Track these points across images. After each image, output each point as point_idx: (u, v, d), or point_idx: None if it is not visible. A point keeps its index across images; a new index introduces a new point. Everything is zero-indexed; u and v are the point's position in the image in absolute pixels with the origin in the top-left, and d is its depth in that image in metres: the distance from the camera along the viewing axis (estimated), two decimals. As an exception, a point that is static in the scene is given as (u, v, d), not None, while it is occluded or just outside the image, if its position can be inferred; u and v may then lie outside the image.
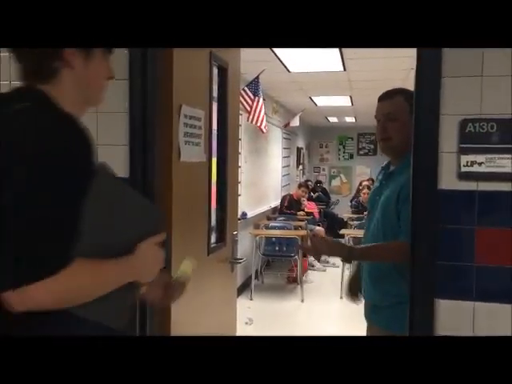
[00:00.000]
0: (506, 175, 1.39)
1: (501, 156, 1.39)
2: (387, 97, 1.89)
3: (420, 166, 1.48)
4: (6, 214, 0.92)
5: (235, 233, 2.65)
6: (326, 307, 5.53)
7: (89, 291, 1.00)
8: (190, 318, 2.05)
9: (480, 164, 1.40)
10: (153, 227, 1.15)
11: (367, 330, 1.98)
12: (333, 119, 10.81)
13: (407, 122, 1.72)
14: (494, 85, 1.39)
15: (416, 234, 1.49)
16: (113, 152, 1.67)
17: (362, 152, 12.45)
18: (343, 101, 7.89)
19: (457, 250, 1.43)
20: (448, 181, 1.43)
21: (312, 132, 12.48)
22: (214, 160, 2.45)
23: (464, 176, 1.42)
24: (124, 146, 1.67)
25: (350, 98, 7.59)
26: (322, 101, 7.98)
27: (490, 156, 1.40)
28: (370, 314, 1.95)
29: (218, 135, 2.50)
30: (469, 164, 1.41)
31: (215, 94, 2.43)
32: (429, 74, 1.45)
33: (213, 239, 2.48)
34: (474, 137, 1.41)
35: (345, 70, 5.48)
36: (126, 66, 1.66)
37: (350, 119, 10.62)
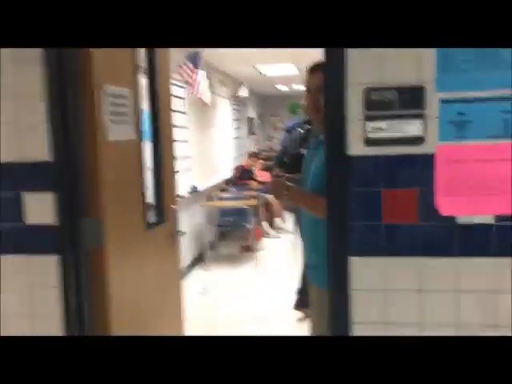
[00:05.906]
0: (405, 140, 1.49)
1: (401, 121, 1.49)
2: (319, 68, 1.92)
3: (331, 134, 1.57)
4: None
5: (174, 207, 2.70)
6: (280, 273, 5.71)
7: None
8: (129, 295, 2.10)
9: (383, 130, 1.50)
10: None
11: (310, 290, 2.13)
12: (282, 87, 10.84)
13: None
14: (396, 56, 1.48)
15: (329, 197, 1.58)
16: (33, 135, 1.68)
17: (313, 119, 12.55)
18: (289, 69, 7.93)
19: (366, 210, 1.54)
20: (356, 146, 1.53)
21: (262, 101, 12.47)
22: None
23: (370, 142, 1.51)
24: (44, 127, 1.68)
25: (295, 66, 7.63)
26: (268, 70, 7.99)
27: (391, 122, 1.49)
28: (309, 274, 2.13)
29: (150, 111, 2.51)
30: (373, 130, 1.51)
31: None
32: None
33: (152, 216, 2.53)
34: (377, 104, 1.50)
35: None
36: (39, 47, 1.65)
37: (298, 86, 10.66)
